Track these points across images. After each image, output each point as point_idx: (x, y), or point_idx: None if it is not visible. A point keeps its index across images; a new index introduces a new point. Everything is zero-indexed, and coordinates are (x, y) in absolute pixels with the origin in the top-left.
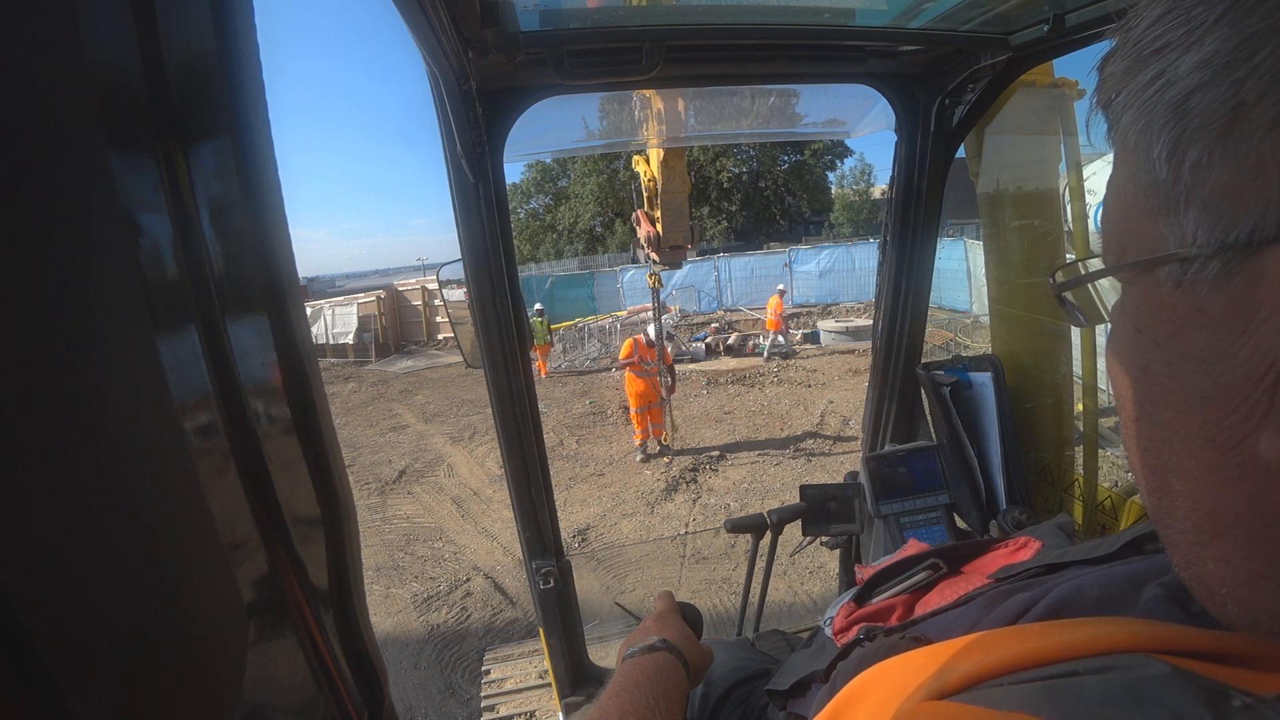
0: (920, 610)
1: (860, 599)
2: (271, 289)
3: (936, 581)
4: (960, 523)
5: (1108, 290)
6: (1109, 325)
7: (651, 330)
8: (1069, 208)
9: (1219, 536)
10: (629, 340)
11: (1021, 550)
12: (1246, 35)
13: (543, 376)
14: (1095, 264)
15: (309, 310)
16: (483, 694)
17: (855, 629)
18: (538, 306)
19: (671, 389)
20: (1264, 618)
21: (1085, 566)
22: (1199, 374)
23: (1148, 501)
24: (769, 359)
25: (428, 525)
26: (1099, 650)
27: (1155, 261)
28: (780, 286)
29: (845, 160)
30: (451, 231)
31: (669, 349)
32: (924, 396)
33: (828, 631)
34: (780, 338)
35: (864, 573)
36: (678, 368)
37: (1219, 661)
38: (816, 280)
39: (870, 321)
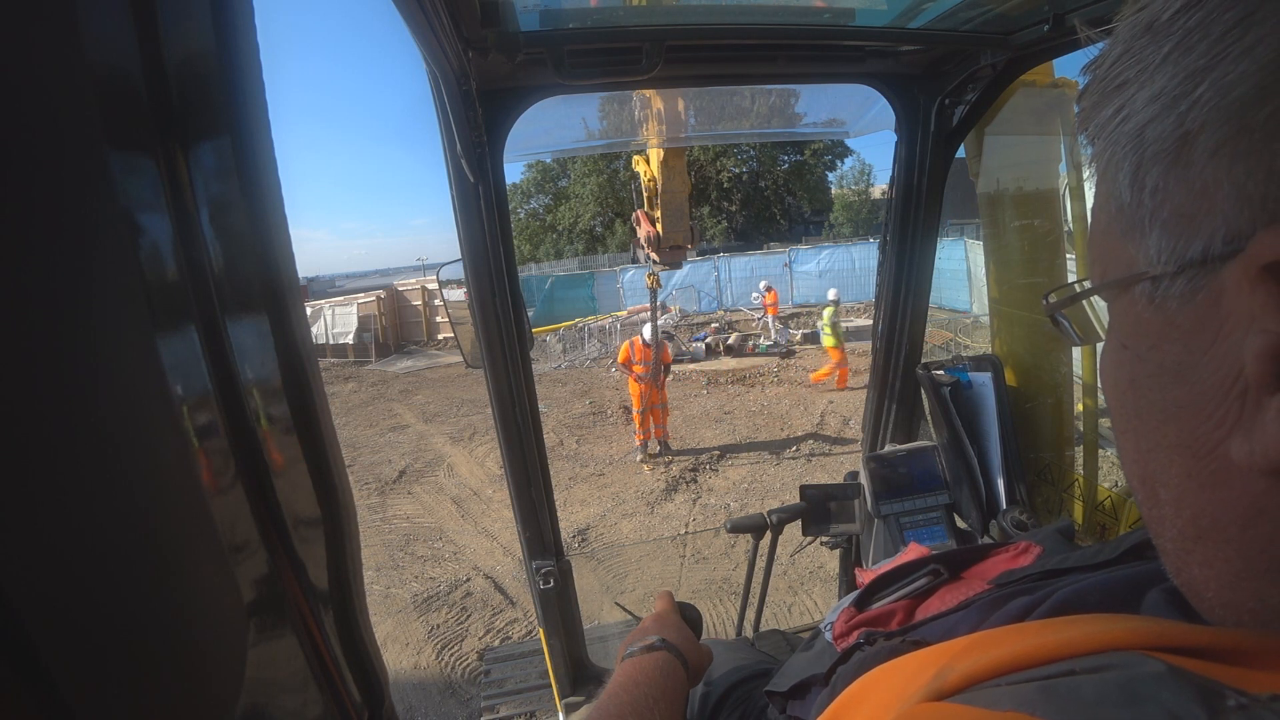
0: (921, 615)
1: (860, 604)
2: (271, 289)
3: (937, 587)
4: (960, 523)
5: (1102, 311)
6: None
7: (647, 331)
8: (1069, 208)
9: (1201, 541)
10: (626, 343)
11: (1022, 555)
12: (1189, 71)
13: (839, 389)
14: (1086, 288)
15: (309, 310)
16: (483, 694)
17: (855, 634)
18: (832, 295)
19: (661, 380)
20: (1247, 618)
21: (1086, 572)
22: (1175, 385)
23: (1143, 512)
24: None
25: (428, 525)
26: (1095, 648)
27: (1129, 280)
28: (763, 283)
29: (845, 160)
30: (451, 231)
31: (669, 348)
32: (924, 396)
33: (828, 636)
34: (779, 337)
35: (864, 577)
36: (677, 368)
37: (1214, 659)
38: (816, 280)
39: (870, 321)
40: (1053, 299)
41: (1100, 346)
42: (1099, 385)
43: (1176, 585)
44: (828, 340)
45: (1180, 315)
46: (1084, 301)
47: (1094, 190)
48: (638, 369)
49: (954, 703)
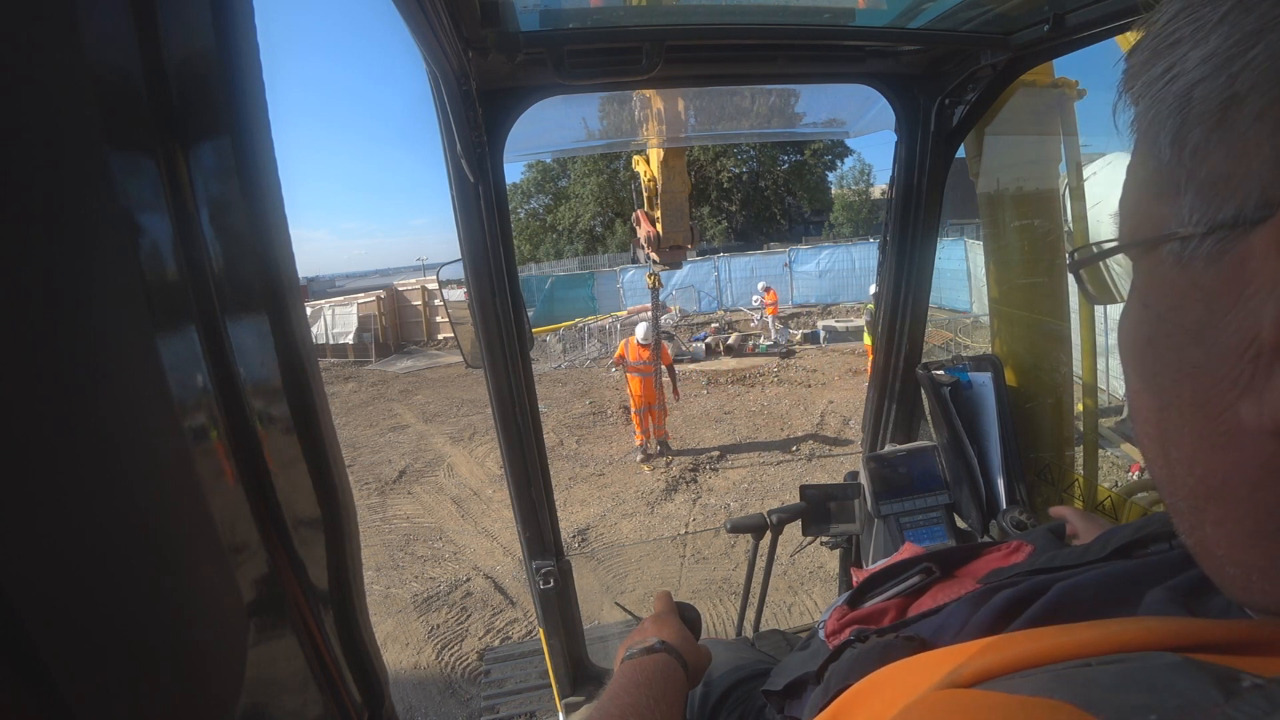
0: (914, 613)
1: (853, 602)
2: (271, 289)
3: (930, 585)
4: (960, 523)
5: (1120, 273)
6: (1113, 310)
7: (640, 331)
8: (1069, 208)
9: (1212, 501)
10: (622, 342)
11: (1014, 554)
12: (1244, 33)
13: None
14: (1112, 246)
15: (309, 310)
16: (483, 694)
17: (847, 631)
18: (874, 290)
19: (675, 392)
20: (1256, 576)
21: (1074, 570)
22: (1193, 346)
23: (1152, 472)
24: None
25: (428, 525)
26: (1111, 649)
27: (1159, 239)
28: (761, 284)
29: (845, 160)
30: (451, 231)
31: (668, 349)
32: (924, 396)
33: (821, 634)
34: (779, 337)
35: (859, 576)
36: (677, 368)
37: (1228, 651)
38: (816, 280)
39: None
40: (1078, 255)
41: (1104, 339)
42: (1103, 374)
43: (1188, 546)
44: (870, 339)
45: (1205, 276)
46: (1103, 262)
47: (1131, 150)
48: (633, 367)
49: (972, 689)
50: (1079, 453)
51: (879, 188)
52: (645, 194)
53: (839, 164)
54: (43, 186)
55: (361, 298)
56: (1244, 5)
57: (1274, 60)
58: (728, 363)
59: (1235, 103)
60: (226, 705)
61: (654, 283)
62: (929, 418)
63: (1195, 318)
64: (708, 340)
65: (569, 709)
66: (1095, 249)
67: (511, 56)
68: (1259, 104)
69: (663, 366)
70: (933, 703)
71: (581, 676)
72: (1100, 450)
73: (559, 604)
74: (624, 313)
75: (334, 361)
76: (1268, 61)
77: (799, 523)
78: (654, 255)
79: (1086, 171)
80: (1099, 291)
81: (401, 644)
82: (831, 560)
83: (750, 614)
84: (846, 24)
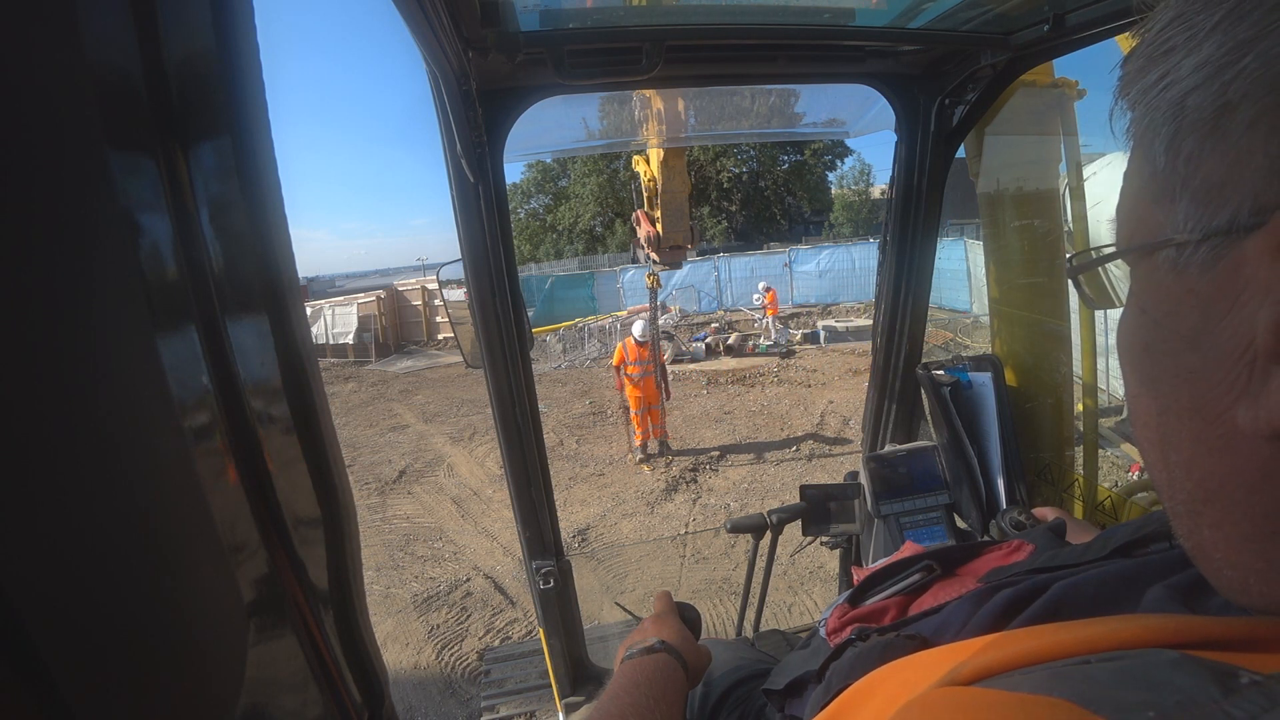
0: (914, 612)
1: (854, 600)
2: (271, 289)
3: (930, 583)
4: (960, 523)
5: (1119, 278)
6: (1113, 310)
7: (636, 330)
8: (1069, 208)
9: (1210, 504)
10: (618, 345)
11: (1015, 553)
12: (1237, 41)
13: None
14: (1110, 251)
15: (309, 310)
16: (483, 694)
17: (848, 629)
18: None
19: (666, 392)
20: (1254, 579)
21: (1074, 570)
22: (1189, 351)
23: (1151, 474)
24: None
25: (428, 525)
26: (1111, 646)
27: (1154, 246)
28: (762, 284)
29: (845, 160)
30: (451, 231)
31: (666, 349)
32: (924, 396)
33: (822, 633)
34: (779, 337)
35: (860, 574)
36: (676, 368)
37: (1227, 648)
38: (816, 280)
39: (870, 321)
40: (1076, 261)
41: (1104, 339)
42: (1103, 374)
43: (1186, 549)
44: None
45: (1200, 283)
46: (1102, 268)
47: (1128, 156)
48: (632, 369)
49: (971, 687)
50: (1079, 453)
51: (879, 188)
52: (645, 194)
53: (839, 164)
54: (43, 186)
55: (361, 298)
56: (1237, 13)
57: (1266, 68)
58: (728, 363)
59: (1228, 110)
60: (226, 705)
61: (653, 283)
62: (929, 418)
63: (1191, 323)
64: (708, 340)
65: (569, 709)
66: (1093, 254)
67: (511, 56)
68: (1251, 112)
69: (659, 364)
70: (933, 700)
71: (581, 676)
72: (1100, 450)
73: (559, 604)
74: (624, 313)
75: (334, 361)
76: (1260, 70)
77: (799, 523)
78: (654, 255)
79: (1086, 172)
80: (1097, 296)
81: (401, 644)
82: (831, 560)
83: (750, 614)
84: (846, 24)
